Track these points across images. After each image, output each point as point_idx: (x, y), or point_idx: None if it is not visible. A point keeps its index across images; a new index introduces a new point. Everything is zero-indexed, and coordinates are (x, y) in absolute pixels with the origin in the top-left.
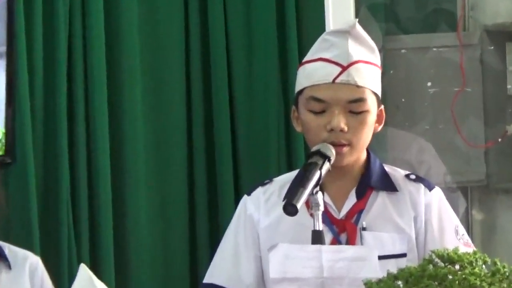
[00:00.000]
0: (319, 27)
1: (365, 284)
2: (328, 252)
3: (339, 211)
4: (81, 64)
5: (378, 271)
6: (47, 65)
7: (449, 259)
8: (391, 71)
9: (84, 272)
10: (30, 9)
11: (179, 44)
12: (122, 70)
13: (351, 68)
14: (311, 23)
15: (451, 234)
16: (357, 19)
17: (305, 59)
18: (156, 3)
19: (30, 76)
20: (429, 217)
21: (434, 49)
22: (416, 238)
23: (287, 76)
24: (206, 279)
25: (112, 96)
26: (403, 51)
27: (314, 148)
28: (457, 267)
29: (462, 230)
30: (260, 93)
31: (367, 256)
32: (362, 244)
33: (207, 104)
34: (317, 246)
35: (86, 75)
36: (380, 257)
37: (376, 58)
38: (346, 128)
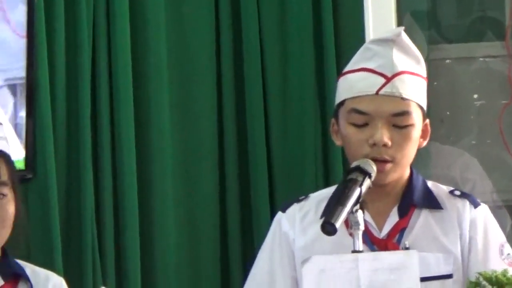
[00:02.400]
0: (358, 35)
1: None
2: (366, 260)
3: (380, 230)
4: (106, 72)
5: (418, 281)
6: (69, 73)
7: (498, 282)
8: (435, 83)
9: None
10: (51, 16)
11: (210, 56)
12: (149, 79)
13: (396, 79)
14: (349, 31)
15: (495, 253)
16: (403, 27)
17: (347, 68)
18: (185, 10)
19: (51, 85)
20: (474, 235)
21: (481, 59)
22: (461, 256)
23: (324, 86)
24: None
25: (138, 106)
26: (447, 61)
27: (353, 164)
28: None
29: (508, 249)
30: (296, 104)
31: (407, 263)
32: None
33: (240, 116)
34: (354, 255)
35: (111, 84)
36: (425, 279)
37: (422, 69)
38: (389, 143)
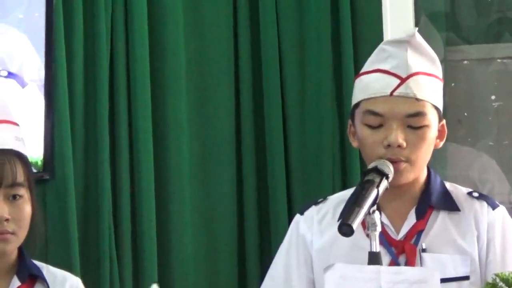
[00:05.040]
0: (376, 37)
1: None
2: (387, 273)
3: (398, 231)
4: (124, 74)
5: None
6: (87, 75)
7: None
8: (453, 84)
9: None
10: (69, 19)
11: (228, 58)
12: (167, 81)
13: (410, 80)
14: (367, 33)
15: None
16: (417, 28)
17: (362, 70)
18: (204, 13)
19: (69, 87)
20: (492, 237)
21: (499, 60)
22: (479, 258)
23: (342, 88)
24: None
25: (156, 109)
26: (465, 62)
27: (371, 165)
28: None
29: None
30: (313, 106)
31: (428, 278)
32: (421, 266)
33: (258, 118)
34: (375, 267)
35: (129, 86)
36: (442, 280)
37: (437, 69)
38: (404, 144)
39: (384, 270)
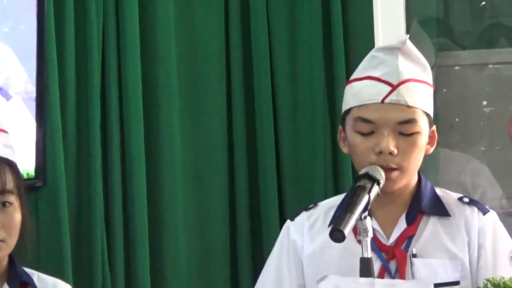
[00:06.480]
0: (368, 42)
1: None
2: (381, 285)
3: (388, 237)
4: (116, 81)
5: None
6: (79, 82)
7: None
8: (444, 89)
9: None
10: (61, 26)
11: (219, 62)
12: (159, 87)
13: (402, 87)
14: (359, 38)
15: (504, 260)
16: (408, 35)
17: (353, 77)
18: (195, 17)
19: (61, 93)
20: (483, 242)
21: (491, 66)
22: (469, 264)
23: (333, 94)
24: None
25: (148, 115)
26: (457, 67)
27: (362, 171)
28: None
29: None
30: (305, 112)
31: None
32: (412, 271)
33: (250, 123)
34: (369, 279)
35: (121, 93)
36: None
37: (428, 76)
38: (395, 151)
39: (379, 282)
